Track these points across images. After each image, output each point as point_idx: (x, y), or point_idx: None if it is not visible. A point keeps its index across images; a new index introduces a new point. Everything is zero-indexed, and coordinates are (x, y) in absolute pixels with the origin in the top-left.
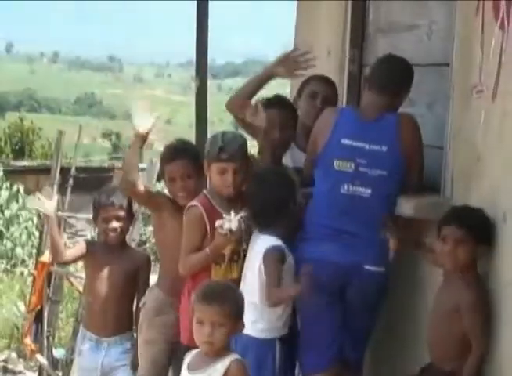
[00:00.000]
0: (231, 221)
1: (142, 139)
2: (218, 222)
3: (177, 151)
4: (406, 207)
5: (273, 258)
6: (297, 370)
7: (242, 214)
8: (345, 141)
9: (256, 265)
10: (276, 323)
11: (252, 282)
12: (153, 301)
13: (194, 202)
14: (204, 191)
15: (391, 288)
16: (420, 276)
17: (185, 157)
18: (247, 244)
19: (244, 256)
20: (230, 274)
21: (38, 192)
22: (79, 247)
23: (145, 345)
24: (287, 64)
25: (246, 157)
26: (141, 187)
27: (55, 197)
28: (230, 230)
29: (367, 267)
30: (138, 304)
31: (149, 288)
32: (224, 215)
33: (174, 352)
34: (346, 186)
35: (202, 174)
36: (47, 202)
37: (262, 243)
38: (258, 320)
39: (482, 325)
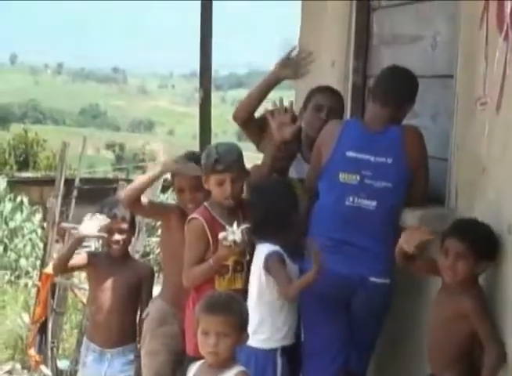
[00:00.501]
0: (234, 233)
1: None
2: (221, 235)
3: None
4: (411, 218)
5: (275, 260)
6: None
7: (245, 225)
8: (350, 153)
9: (257, 273)
10: (277, 333)
11: (253, 290)
12: (156, 311)
13: (195, 214)
14: (205, 203)
15: (394, 299)
16: (423, 287)
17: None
18: (251, 255)
19: (248, 267)
20: (234, 285)
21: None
22: (79, 258)
23: (148, 356)
24: (291, 66)
25: (242, 167)
26: (143, 200)
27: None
28: (234, 242)
29: (372, 279)
30: (141, 315)
31: (152, 299)
32: (227, 227)
33: (179, 363)
34: (351, 199)
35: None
36: (89, 224)
37: (262, 250)
38: (258, 330)
39: (494, 327)
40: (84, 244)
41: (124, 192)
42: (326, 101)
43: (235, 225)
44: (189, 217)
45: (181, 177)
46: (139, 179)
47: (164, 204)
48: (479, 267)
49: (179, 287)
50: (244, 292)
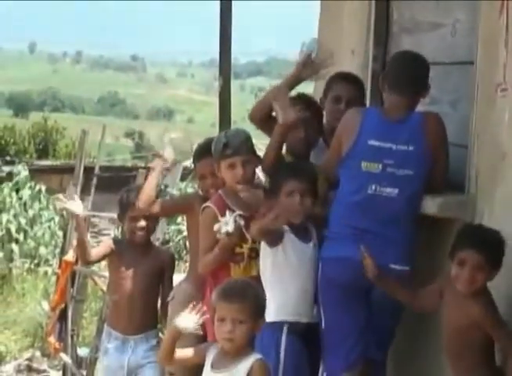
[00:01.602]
0: (227, 223)
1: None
2: (215, 226)
3: (207, 149)
4: (431, 205)
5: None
6: (321, 369)
7: (236, 213)
8: (372, 142)
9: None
10: (281, 308)
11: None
12: (183, 295)
13: (208, 203)
14: (220, 191)
15: (417, 286)
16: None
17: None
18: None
19: None
20: (250, 272)
21: (63, 193)
22: (105, 245)
23: None
24: (312, 66)
25: (252, 150)
26: (156, 208)
27: (77, 197)
28: (227, 232)
29: (392, 266)
30: (163, 301)
31: (178, 283)
32: (219, 218)
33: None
34: (373, 187)
35: None
36: (74, 202)
37: None
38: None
39: (507, 328)
40: (104, 232)
41: (139, 202)
42: (345, 92)
43: (227, 215)
44: (203, 205)
45: (202, 163)
46: (148, 184)
47: (183, 196)
48: (492, 276)
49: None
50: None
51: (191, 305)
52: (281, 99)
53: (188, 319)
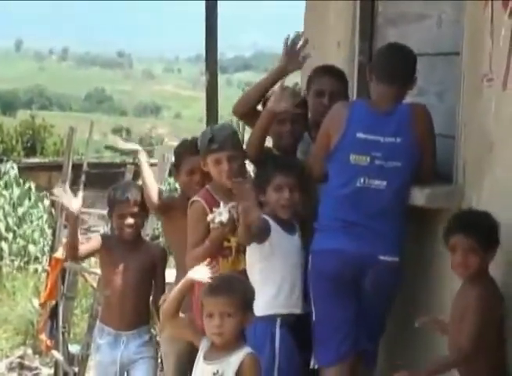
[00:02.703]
0: (221, 213)
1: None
2: (209, 217)
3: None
4: (419, 196)
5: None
6: (312, 362)
7: (231, 204)
8: (360, 135)
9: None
10: (272, 300)
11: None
12: None
13: (196, 197)
14: (207, 186)
15: (406, 277)
16: (433, 266)
17: None
18: None
19: None
20: (238, 266)
21: (60, 186)
22: (94, 241)
23: (167, 343)
24: (294, 58)
25: (238, 145)
26: (156, 201)
27: (80, 196)
28: (221, 223)
29: (382, 257)
30: (155, 296)
31: (169, 286)
32: (214, 209)
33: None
34: (362, 180)
35: None
36: (72, 199)
37: None
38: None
39: (477, 325)
40: (94, 228)
41: (149, 199)
42: (326, 86)
43: (221, 205)
44: (191, 200)
45: (194, 158)
46: (147, 179)
47: (169, 197)
48: (488, 257)
49: None
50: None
51: (207, 260)
52: (280, 89)
53: (202, 271)
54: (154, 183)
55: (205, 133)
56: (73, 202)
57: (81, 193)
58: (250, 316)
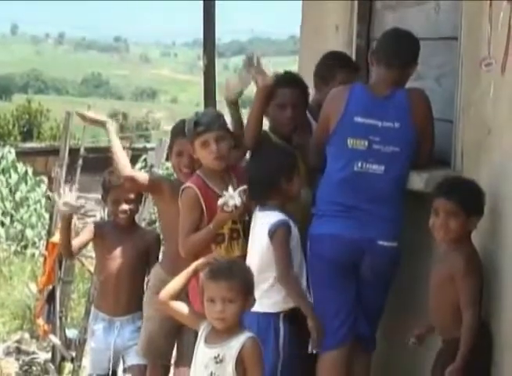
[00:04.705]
0: (234, 197)
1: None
2: (220, 201)
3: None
4: (417, 181)
5: (282, 234)
6: (310, 346)
7: (241, 188)
8: (358, 119)
9: (262, 240)
10: (278, 297)
11: (255, 258)
12: (155, 279)
13: (188, 183)
14: (198, 172)
15: (404, 262)
16: (432, 251)
17: None
18: (245, 222)
19: (244, 234)
20: (232, 253)
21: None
22: (86, 233)
23: (145, 322)
24: (263, 74)
25: (225, 127)
26: (140, 178)
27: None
28: (235, 206)
29: (380, 242)
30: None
31: (154, 267)
32: (224, 192)
33: (174, 329)
34: (360, 164)
35: None
36: (69, 203)
37: (265, 218)
38: (264, 295)
39: (472, 293)
40: (90, 213)
41: (118, 170)
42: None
43: (230, 189)
44: (183, 186)
45: (182, 141)
46: (115, 148)
47: (161, 177)
48: (470, 223)
49: (177, 257)
50: (244, 258)
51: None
52: (257, 67)
53: (69, 201)
54: (124, 154)
55: (190, 119)
56: (68, 203)
57: (75, 193)
58: (251, 300)
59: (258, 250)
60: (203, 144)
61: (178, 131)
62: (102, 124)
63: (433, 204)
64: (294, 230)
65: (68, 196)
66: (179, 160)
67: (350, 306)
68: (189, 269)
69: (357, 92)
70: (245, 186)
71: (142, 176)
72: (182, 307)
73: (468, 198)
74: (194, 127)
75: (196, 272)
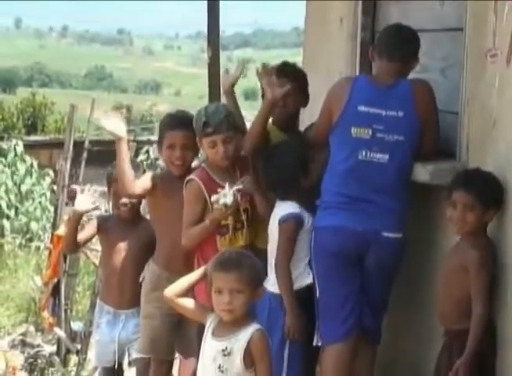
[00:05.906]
0: (226, 195)
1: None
2: (213, 197)
3: (183, 120)
4: (423, 173)
5: (287, 229)
6: (315, 339)
7: (236, 187)
8: (362, 108)
9: (274, 229)
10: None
11: (272, 243)
12: (150, 276)
13: (192, 176)
14: (202, 164)
15: (408, 255)
16: (437, 244)
17: (189, 127)
18: (248, 212)
19: (248, 224)
20: (236, 243)
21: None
22: (90, 228)
23: (143, 320)
24: (271, 89)
25: (233, 126)
26: (146, 188)
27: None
28: (225, 205)
29: (385, 234)
30: None
31: (147, 263)
32: (218, 190)
33: (174, 325)
34: (364, 153)
35: (198, 150)
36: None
37: (281, 208)
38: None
39: (485, 286)
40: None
41: (125, 190)
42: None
43: (227, 187)
44: (187, 178)
45: (174, 133)
46: (123, 168)
47: (151, 177)
48: (487, 216)
49: (171, 251)
50: (249, 248)
51: None
52: (266, 77)
53: (84, 200)
54: (131, 171)
55: (199, 115)
56: (83, 202)
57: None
58: (259, 291)
59: (274, 236)
60: (211, 145)
61: (167, 125)
62: (117, 138)
63: (451, 197)
64: (308, 224)
65: (87, 197)
66: (171, 153)
67: (355, 298)
68: (198, 271)
69: (360, 83)
70: (240, 186)
71: (146, 184)
72: (187, 301)
73: (486, 191)
74: (203, 127)
75: (205, 275)
